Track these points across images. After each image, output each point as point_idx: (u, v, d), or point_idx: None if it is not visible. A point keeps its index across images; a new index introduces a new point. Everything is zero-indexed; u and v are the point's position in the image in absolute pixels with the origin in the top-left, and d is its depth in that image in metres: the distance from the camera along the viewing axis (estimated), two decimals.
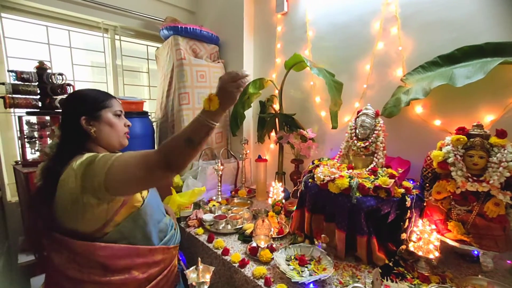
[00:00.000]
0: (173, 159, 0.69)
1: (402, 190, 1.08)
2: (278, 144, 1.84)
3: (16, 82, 1.47)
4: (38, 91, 1.52)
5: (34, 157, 1.53)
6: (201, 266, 0.90)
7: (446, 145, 1.07)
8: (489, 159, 0.97)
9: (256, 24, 2.14)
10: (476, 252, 1.02)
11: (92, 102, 0.87)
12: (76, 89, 1.63)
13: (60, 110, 0.94)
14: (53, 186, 0.75)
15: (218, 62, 2.21)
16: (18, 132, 1.54)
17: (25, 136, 1.50)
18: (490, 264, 0.97)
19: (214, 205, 1.58)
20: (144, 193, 0.92)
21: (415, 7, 1.32)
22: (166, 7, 2.35)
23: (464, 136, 1.02)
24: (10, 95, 1.44)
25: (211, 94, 0.71)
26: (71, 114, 0.85)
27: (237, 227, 1.35)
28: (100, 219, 0.76)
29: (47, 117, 1.56)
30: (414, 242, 1.01)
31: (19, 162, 1.56)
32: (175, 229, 1.05)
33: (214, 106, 0.70)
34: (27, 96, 1.50)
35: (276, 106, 1.94)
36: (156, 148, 0.74)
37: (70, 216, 0.75)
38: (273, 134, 1.95)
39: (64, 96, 1.51)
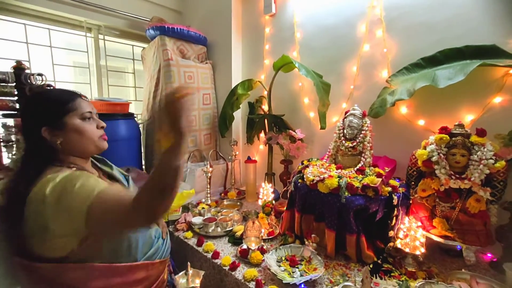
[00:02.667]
0: (155, 214, 0.64)
1: (389, 189, 1.10)
2: (267, 145, 1.84)
3: None
4: (16, 92, 1.45)
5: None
6: (190, 271, 0.88)
7: (430, 144, 1.10)
8: (470, 157, 1.01)
9: (244, 25, 2.14)
10: (459, 247, 1.06)
11: (52, 108, 0.73)
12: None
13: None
14: (18, 209, 0.64)
15: (206, 63, 2.19)
16: None
17: (1, 140, 1.42)
18: (472, 258, 1.01)
19: (203, 208, 1.56)
20: None
21: (399, 10, 1.36)
22: (152, 7, 2.30)
23: (447, 135, 1.05)
24: None
25: (158, 133, 0.67)
26: (30, 125, 0.73)
27: (227, 229, 1.33)
28: (70, 245, 0.65)
29: None
30: (401, 239, 1.04)
31: None
32: (163, 239, 0.91)
33: (167, 143, 0.62)
34: (4, 98, 1.42)
35: (265, 107, 1.95)
36: (133, 196, 0.62)
37: (36, 240, 0.65)
38: (262, 135, 1.95)
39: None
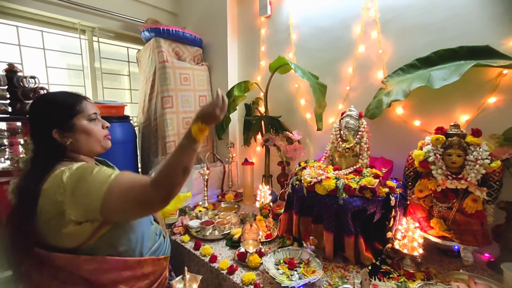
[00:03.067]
0: (172, 193, 0.70)
1: (387, 190, 1.10)
2: (264, 146, 1.84)
3: None
4: (8, 96, 1.42)
5: (4, 166, 1.42)
6: (187, 276, 0.87)
7: (426, 145, 1.11)
8: (466, 157, 1.02)
9: (240, 26, 2.14)
10: (457, 247, 1.06)
11: (61, 111, 0.78)
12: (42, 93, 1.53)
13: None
14: (30, 206, 0.68)
15: (202, 64, 2.18)
16: None
17: None
18: (470, 258, 1.01)
19: (200, 211, 1.54)
20: None
21: (393, 12, 1.36)
22: (147, 8, 2.29)
23: (443, 136, 1.06)
24: None
25: (200, 124, 0.72)
26: (40, 127, 0.77)
27: (225, 232, 1.32)
28: (85, 234, 0.70)
29: (18, 123, 1.46)
30: (399, 240, 1.03)
31: None
32: (164, 237, 0.98)
33: (205, 135, 0.72)
34: None
35: (262, 109, 1.94)
36: (150, 176, 0.70)
37: (51, 230, 0.69)
38: (259, 136, 1.94)
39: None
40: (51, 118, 0.77)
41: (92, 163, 0.85)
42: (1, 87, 1.41)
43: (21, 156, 1.33)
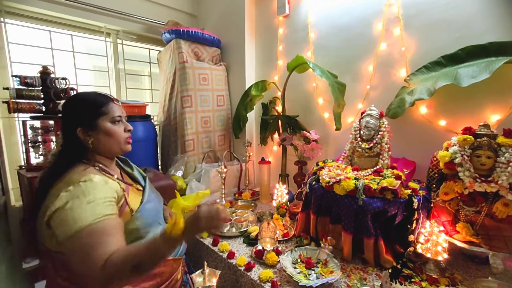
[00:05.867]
0: (112, 285, 0.63)
1: (409, 191, 1.07)
2: (281, 146, 1.84)
3: (20, 87, 1.48)
4: (42, 96, 1.52)
5: (38, 162, 1.53)
6: (207, 270, 0.89)
7: (453, 145, 1.06)
8: (497, 159, 0.96)
9: (258, 26, 2.15)
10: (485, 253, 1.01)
11: (88, 111, 0.80)
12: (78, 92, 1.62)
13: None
14: (39, 202, 0.71)
15: (220, 64, 2.21)
16: (22, 137, 1.53)
17: (29, 141, 1.50)
18: (500, 265, 0.96)
19: None
20: (136, 203, 0.82)
21: (417, 8, 1.32)
22: (168, 11, 2.36)
23: (471, 136, 1.01)
24: (14, 100, 1.45)
25: (179, 218, 0.64)
26: (68, 124, 0.81)
27: (242, 230, 1.34)
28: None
29: (51, 122, 1.56)
30: (422, 244, 1.00)
31: (23, 167, 1.55)
32: None
33: (176, 232, 0.62)
34: (31, 101, 1.50)
35: (279, 108, 1.94)
36: (119, 248, 0.63)
37: (43, 230, 0.69)
38: (276, 136, 1.94)
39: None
40: (77, 116, 0.80)
41: (110, 165, 0.86)
42: (36, 88, 1.51)
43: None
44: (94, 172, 0.76)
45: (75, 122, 0.79)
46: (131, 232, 0.76)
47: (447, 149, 1.08)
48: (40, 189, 0.75)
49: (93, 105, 0.81)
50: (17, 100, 1.46)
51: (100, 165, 0.81)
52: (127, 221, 0.77)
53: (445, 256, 0.94)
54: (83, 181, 0.70)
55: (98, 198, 0.68)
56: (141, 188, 0.91)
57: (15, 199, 1.77)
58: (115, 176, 0.82)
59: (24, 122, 1.50)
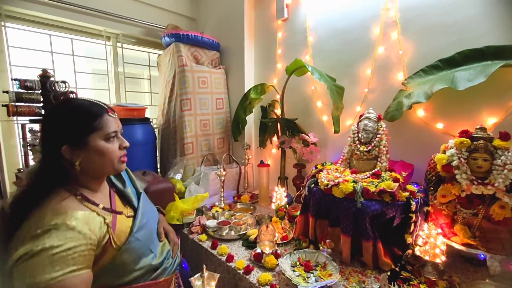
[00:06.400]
0: None
1: (407, 194, 1.07)
2: (280, 149, 1.84)
3: (20, 90, 1.48)
4: (41, 99, 1.53)
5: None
6: (206, 273, 0.89)
7: (450, 148, 1.07)
8: (494, 162, 0.97)
9: (257, 30, 2.16)
10: (482, 256, 1.01)
11: (77, 126, 0.67)
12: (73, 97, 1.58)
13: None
14: (16, 225, 0.59)
15: (219, 68, 2.23)
16: (21, 140, 1.54)
17: (28, 144, 1.51)
18: (497, 267, 0.96)
19: (217, 211, 1.58)
20: (124, 233, 0.71)
21: (414, 12, 1.33)
22: (167, 15, 2.38)
23: (468, 139, 1.02)
24: (13, 103, 1.45)
25: None
26: (51, 140, 0.67)
27: (241, 233, 1.34)
28: None
29: None
30: (420, 246, 1.00)
31: (22, 170, 1.55)
32: (173, 258, 0.86)
33: None
34: (30, 104, 1.51)
35: (278, 111, 1.95)
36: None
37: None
38: (275, 139, 1.95)
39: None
40: (63, 132, 0.66)
41: (98, 187, 0.74)
42: (36, 91, 1.52)
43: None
44: (75, 205, 0.64)
45: (60, 139, 0.66)
46: (117, 267, 0.68)
47: (444, 152, 1.09)
48: (11, 216, 0.61)
49: (83, 119, 0.68)
50: (17, 104, 1.47)
51: (83, 193, 0.68)
52: (113, 256, 0.67)
53: (443, 258, 0.94)
54: (54, 226, 0.57)
55: (67, 248, 0.56)
56: (132, 212, 0.80)
57: None
58: (101, 206, 0.70)
59: (23, 125, 1.51)
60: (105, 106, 0.74)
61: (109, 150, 0.71)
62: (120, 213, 0.75)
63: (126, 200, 0.83)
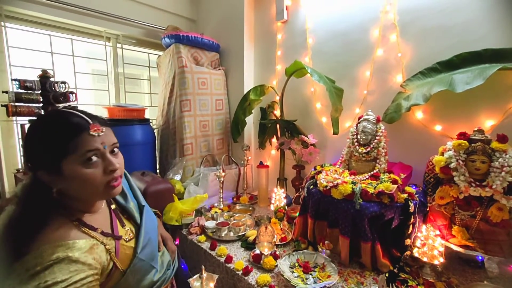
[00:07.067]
0: None
1: (405, 196, 1.08)
2: (279, 150, 1.85)
3: (19, 90, 1.48)
4: (41, 99, 1.53)
5: None
6: (204, 274, 0.89)
7: (448, 150, 1.07)
8: (491, 164, 0.98)
9: (257, 31, 2.17)
10: (480, 258, 1.02)
11: (48, 149, 0.57)
12: (68, 103, 1.54)
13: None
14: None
15: (219, 69, 2.23)
16: (20, 140, 1.54)
17: None
18: (495, 269, 0.97)
19: (216, 212, 1.58)
20: (128, 257, 0.68)
21: (413, 15, 1.34)
22: (168, 16, 2.38)
23: (466, 141, 1.02)
24: (13, 103, 1.45)
25: None
26: (28, 161, 0.60)
27: (240, 234, 1.34)
28: None
29: None
30: (418, 248, 1.01)
31: (20, 170, 1.55)
32: (169, 267, 0.85)
33: None
34: (30, 104, 1.51)
35: (277, 113, 1.96)
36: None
37: None
38: (274, 140, 1.96)
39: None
40: (35, 156, 0.58)
41: (95, 209, 0.68)
42: (35, 92, 1.52)
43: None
44: (73, 233, 0.58)
45: (34, 162, 0.59)
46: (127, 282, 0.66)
47: (442, 154, 1.10)
48: (7, 241, 0.54)
49: (55, 141, 0.57)
50: (16, 104, 1.47)
51: (80, 217, 0.62)
52: (118, 282, 0.65)
53: (441, 260, 0.95)
54: (56, 260, 0.52)
55: (74, 282, 0.52)
56: (133, 230, 0.75)
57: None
58: (99, 230, 0.64)
59: (22, 125, 1.51)
60: (88, 121, 0.60)
61: (89, 177, 0.59)
62: (120, 237, 0.69)
63: (128, 216, 0.79)
